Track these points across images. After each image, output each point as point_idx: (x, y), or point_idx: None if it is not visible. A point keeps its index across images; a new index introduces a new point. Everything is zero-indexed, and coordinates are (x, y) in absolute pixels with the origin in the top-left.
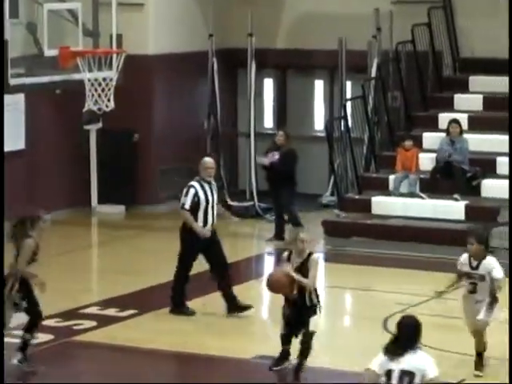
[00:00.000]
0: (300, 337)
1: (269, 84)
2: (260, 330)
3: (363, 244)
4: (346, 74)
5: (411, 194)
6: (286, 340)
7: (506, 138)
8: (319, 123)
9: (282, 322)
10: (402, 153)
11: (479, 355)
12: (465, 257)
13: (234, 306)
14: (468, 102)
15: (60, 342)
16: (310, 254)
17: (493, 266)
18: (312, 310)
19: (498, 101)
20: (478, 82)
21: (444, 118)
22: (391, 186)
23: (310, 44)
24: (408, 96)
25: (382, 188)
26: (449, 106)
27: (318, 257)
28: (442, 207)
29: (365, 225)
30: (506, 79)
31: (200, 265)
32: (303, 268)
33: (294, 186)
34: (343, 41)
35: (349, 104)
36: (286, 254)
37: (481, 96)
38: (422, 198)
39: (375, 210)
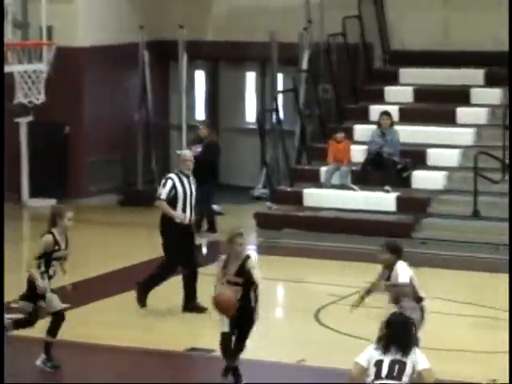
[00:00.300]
0: (237, 336)
1: (200, 76)
2: (191, 323)
3: (295, 236)
4: (278, 66)
5: (343, 186)
6: (229, 339)
7: (435, 129)
8: (251, 115)
9: (225, 320)
10: (334, 145)
11: None
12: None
13: (191, 307)
14: (398, 94)
15: None
16: (247, 257)
17: (398, 272)
18: (256, 311)
19: (428, 93)
20: (408, 74)
21: (375, 110)
22: (323, 178)
23: (242, 36)
24: (339, 88)
25: (314, 180)
26: (379, 98)
27: (256, 259)
28: (373, 199)
29: (297, 217)
30: (435, 71)
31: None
32: (241, 271)
33: (214, 180)
34: (274, 33)
35: (280, 96)
36: (224, 257)
37: (411, 88)
38: (353, 189)
39: (307, 202)
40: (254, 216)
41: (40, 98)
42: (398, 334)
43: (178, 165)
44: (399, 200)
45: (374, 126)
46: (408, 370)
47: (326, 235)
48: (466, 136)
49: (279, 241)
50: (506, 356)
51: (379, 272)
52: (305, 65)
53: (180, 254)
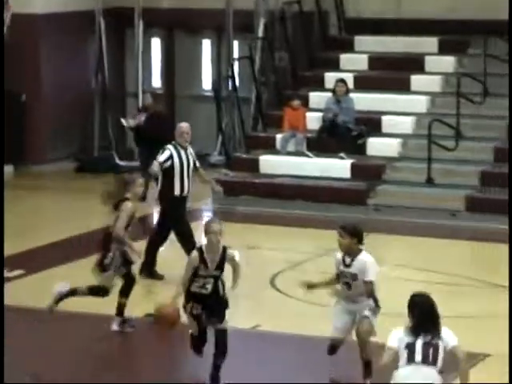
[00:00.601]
0: (214, 334)
1: (156, 43)
2: (143, 291)
3: (251, 202)
4: (234, 33)
5: (298, 153)
6: (201, 342)
7: (390, 96)
8: (207, 83)
9: (192, 322)
10: (289, 112)
11: (367, 364)
12: (339, 254)
13: (149, 273)
14: (353, 61)
15: None
16: (224, 250)
17: (366, 266)
18: (225, 301)
19: (383, 60)
20: (363, 41)
21: (330, 78)
22: (278, 145)
23: (197, 3)
24: (294, 56)
25: (270, 147)
26: (335, 66)
27: (234, 254)
28: (328, 165)
29: (253, 183)
30: (390, 39)
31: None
32: (221, 264)
33: (156, 149)
34: (230, 0)
35: (236, 63)
36: (195, 254)
37: (366, 56)
38: (308, 156)
39: (263, 168)
40: None
41: None
42: (426, 315)
43: (176, 137)
44: (354, 167)
45: (330, 94)
46: (441, 353)
47: (282, 202)
48: (420, 103)
49: (235, 207)
50: (460, 320)
51: (337, 258)
52: (260, 32)
53: (172, 223)
